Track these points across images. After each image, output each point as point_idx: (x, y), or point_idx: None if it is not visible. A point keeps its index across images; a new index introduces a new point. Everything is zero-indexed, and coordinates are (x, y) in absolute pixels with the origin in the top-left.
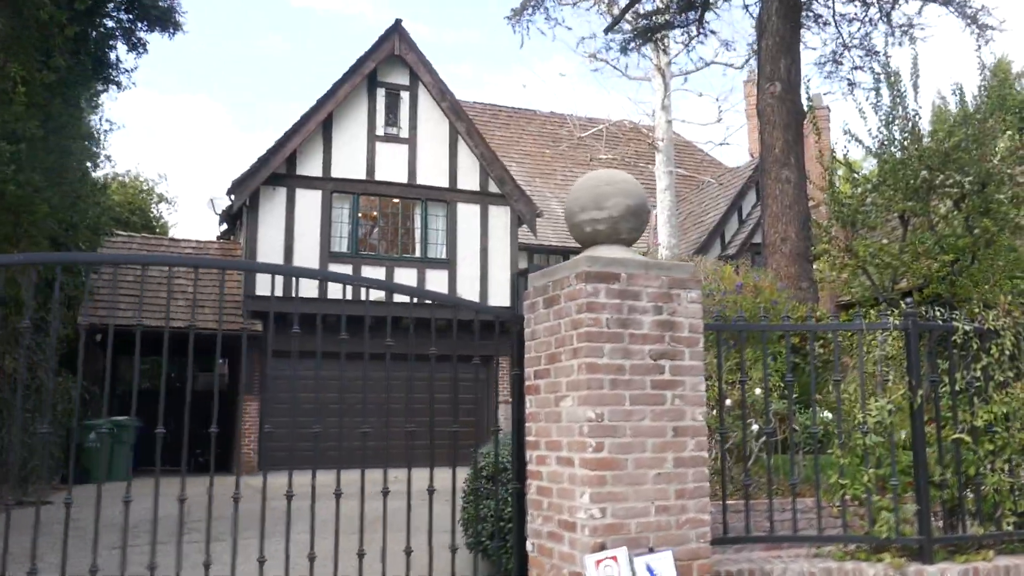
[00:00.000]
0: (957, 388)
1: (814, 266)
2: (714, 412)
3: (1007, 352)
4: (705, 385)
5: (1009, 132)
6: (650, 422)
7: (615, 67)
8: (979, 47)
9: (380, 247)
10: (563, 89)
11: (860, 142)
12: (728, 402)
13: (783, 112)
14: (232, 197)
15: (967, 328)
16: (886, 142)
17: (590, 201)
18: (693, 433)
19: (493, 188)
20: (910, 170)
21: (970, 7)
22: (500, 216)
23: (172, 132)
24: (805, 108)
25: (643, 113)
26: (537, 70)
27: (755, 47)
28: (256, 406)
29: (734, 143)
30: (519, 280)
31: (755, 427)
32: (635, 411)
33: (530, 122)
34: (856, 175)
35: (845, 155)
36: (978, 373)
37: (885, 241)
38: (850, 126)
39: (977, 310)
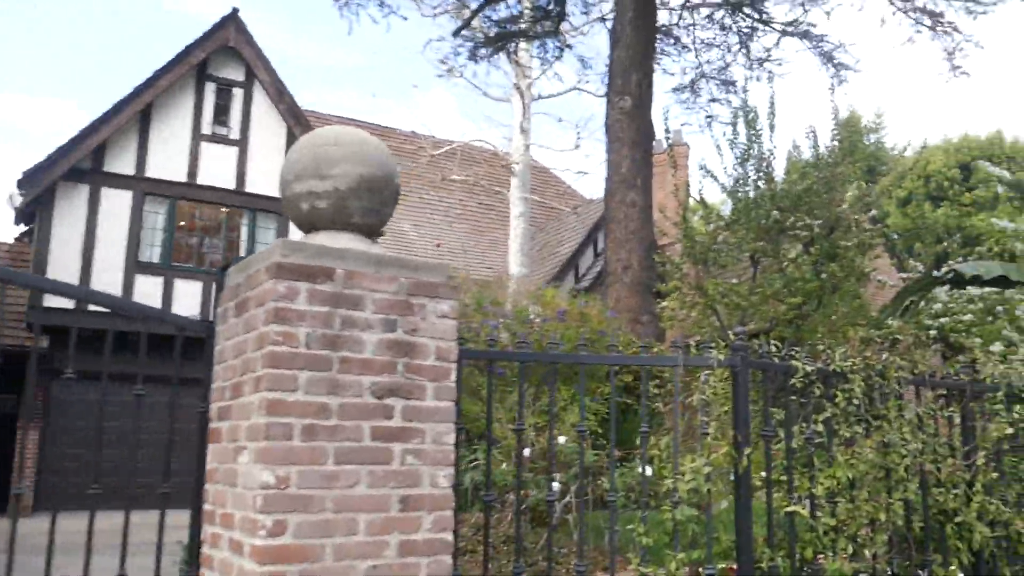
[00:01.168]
0: (794, 445)
1: (664, 303)
2: (505, 465)
3: (855, 401)
4: (456, 434)
5: (858, 181)
6: (366, 490)
7: (473, 83)
8: (834, 86)
9: (197, 259)
10: (428, 110)
11: (715, 179)
12: (527, 452)
13: (632, 129)
14: (23, 192)
15: (808, 369)
16: (740, 180)
17: (309, 166)
18: (432, 505)
19: None
20: (762, 210)
21: (827, 43)
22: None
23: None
24: (665, 143)
25: (502, 137)
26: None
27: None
28: (36, 435)
29: (594, 172)
30: None
31: (556, 485)
32: (343, 473)
33: (386, 139)
34: (710, 212)
35: (700, 191)
36: (820, 427)
37: (735, 281)
38: (706, 162)
39: (822, 347)
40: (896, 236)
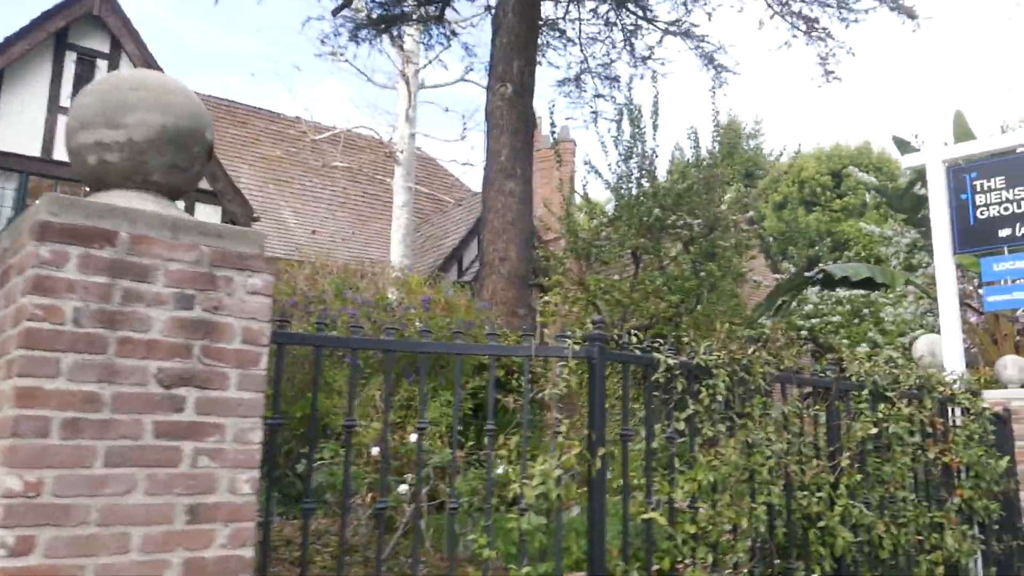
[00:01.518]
0: (655, 446)
1: (546, 297)
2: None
3: (719, 398)
4: (270, 431)
5: (737, 183)
6: (144, 498)
7: (356, 67)
8: (714, 88)
9: None
10: (318, 97)
11: (599, 175)
12: (375, 451)
13: (512, 117)
14: None
15: (671, 362)
16: (624, 177)
17: (99, 113)
18: (229, 516)
19: (205, 184)
20: (644, 208)
21: (708, 43)
22: (211, 216)
23: None
24: (551, 138)
25: (388, 125)
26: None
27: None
28: None
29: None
30: None
31: (404, 487)
32: (114, 477)
33: (271, 123)
34: (593, 208)
35: (584, 186)
36: (682, 425)
37: (617, 277)
38: (591, 158)
39: (687, 339)
40: (772, 239)
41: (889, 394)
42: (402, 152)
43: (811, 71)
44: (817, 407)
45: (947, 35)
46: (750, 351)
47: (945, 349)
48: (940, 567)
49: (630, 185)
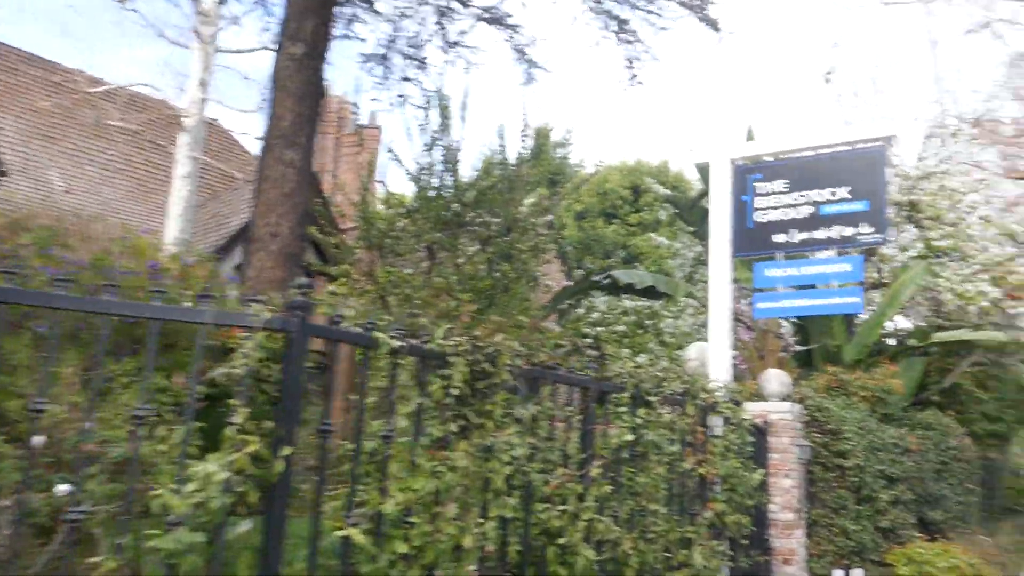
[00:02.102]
0: (372, 446)
1: (331, 287)
2: None
3: (454, 391)
4: None
5: (540, 187)
6: None
7: (146, 19)
8: (526, 83)
9: None
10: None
11: (401, 164)
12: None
13: (300, 80)
14: None
15: (396, 344)
16: (426, 169)
17: None
18: None
19: None
20: (443, 201)
21: (521, 34)
22: None
23: None
24: (354, 121)
25: (177, 88)
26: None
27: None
28: None
29: None
30: None
31: (64, 487)
32: None
33: (50, 74)
34: (391, 197)
35: (385, 174)
36: (404, 422)
37: (409, 271)
38: (395, 145)
39: (425, 320)
40: (570, 247)
41: (652, 398)
42: (190, 118)
43: (620, 73)
44: (574, 410)
45: (755, 55)
46: (498, 338)
47: (712, 356)
48: None
49: (432, 177)
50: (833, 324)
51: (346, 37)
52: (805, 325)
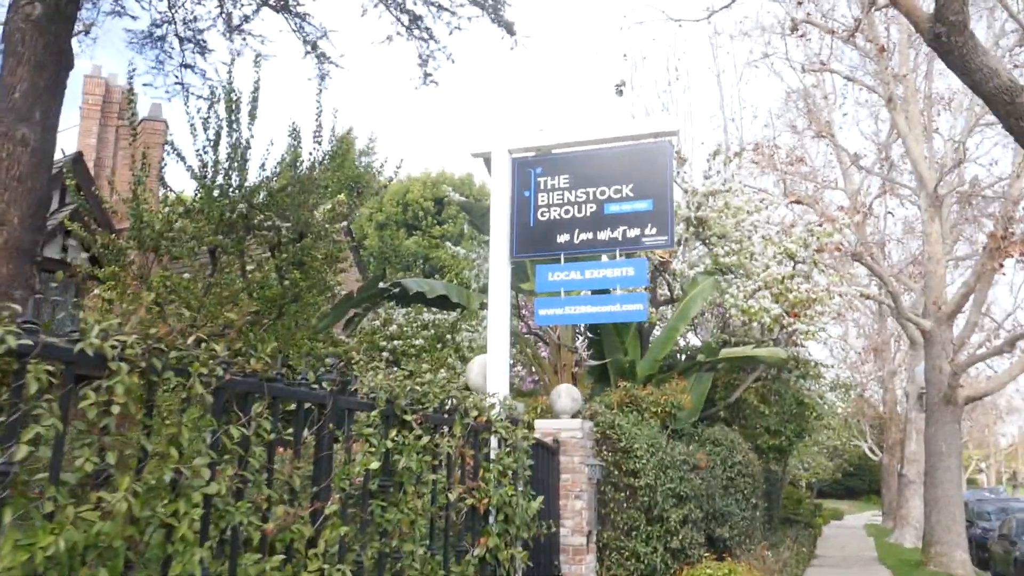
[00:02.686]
0: None
1: (96, 291)
2: None
3: (115, 409)
4: None
5: (340, 193)
6: None
7: None
8: (318, 78)
9: None
10: None
11: (183, 159)
12: None
13: (39, 46)
14: None
15: (13, 344)
16: (210, 166)
17: None
18: None
19: None
20: (228, 202)
21: (310, 24)
22: None
23: None
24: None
25: None
26: None
27: None
28: None
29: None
30: None
31: None
32: None
33: None
34: (168, 196)
35: (162, 169)
36: (23, 452)
37: (187, 276)
38: (175, 138)
39: (96, 320)
40: (371, 258)
41: (408, 417)
42: None
43: (411, 71)
44: (307, 432)
45: (552, 63)
46: (190, 340)
47: (490, 367)
48: None
49: (217, 176)
50: (627, 338)
51: (116, 14)
52: (600, 339)
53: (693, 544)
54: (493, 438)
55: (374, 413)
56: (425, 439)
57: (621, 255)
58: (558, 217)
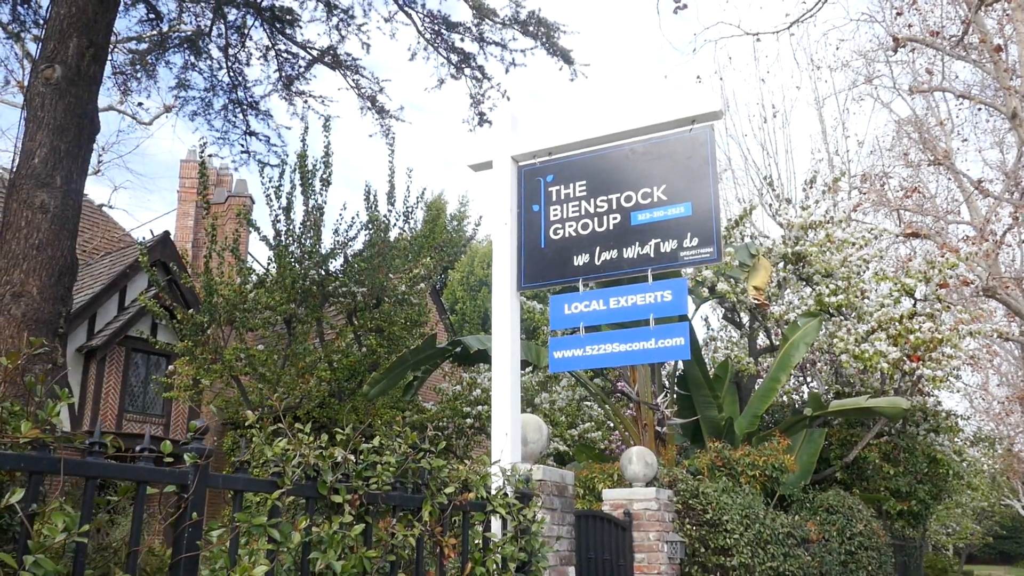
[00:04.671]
0: None
1: (172, 366)
2: None
3: None
4: None
5: (425, 259)
6: None
7: None
8: (383, 134)
9: None
10: None
11: (257, 229)
12: None
13: (59, 109)
14: None
15: None
16: (285, 234)
17: None
18: None
19: None
20: (302, 269)
21: (365, 77)
22: None
23: None
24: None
25: None
26: None
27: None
28: None
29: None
30: None
31: None
32: None
33: None
34: (242, 266)
35: (236, 240)
36: None
37: (260, 348)
38: (250, 208)
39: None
40: (465, 323)
41: (337, 499)
42: None
43: (464, 113)
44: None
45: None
46: None
47: (495, 428)
48: None
49: (290, 243)
50: (721, 392)
51: (183, 87)
52: (690, 393)
53: None
54: (494, 520)
55: (276, 494)
56: (358, 529)
57: (655, 276)
58: (574, 234)
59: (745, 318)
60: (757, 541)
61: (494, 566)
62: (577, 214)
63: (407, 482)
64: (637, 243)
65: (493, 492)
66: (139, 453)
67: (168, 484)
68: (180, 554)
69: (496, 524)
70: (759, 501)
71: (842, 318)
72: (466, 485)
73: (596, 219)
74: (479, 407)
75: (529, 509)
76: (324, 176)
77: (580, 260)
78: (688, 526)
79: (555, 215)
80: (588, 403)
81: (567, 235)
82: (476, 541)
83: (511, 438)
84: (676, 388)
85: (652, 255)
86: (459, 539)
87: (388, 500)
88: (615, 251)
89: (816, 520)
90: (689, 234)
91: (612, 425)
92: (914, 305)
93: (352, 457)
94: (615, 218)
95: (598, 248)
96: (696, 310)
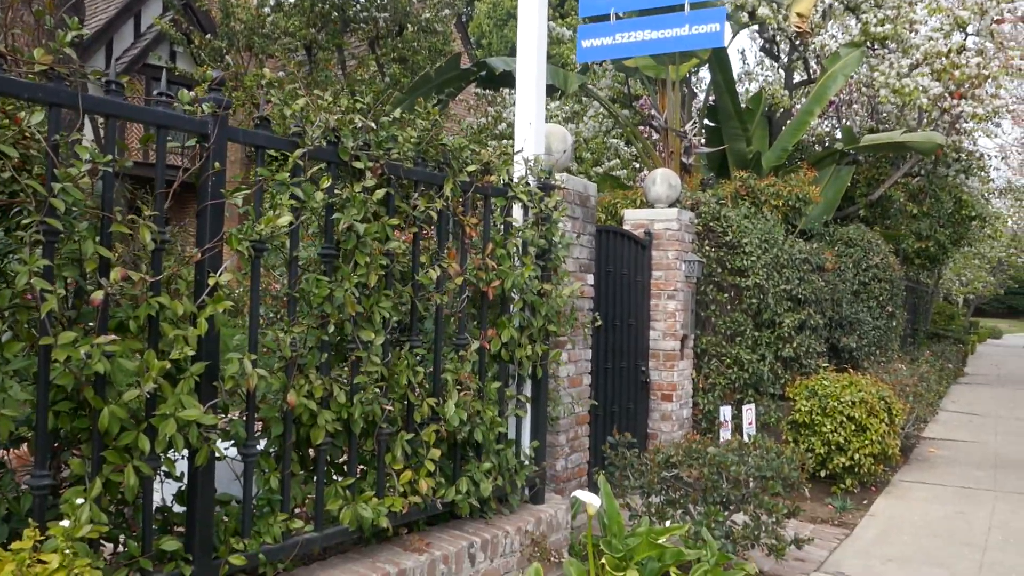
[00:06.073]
0: None
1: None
2: None
3: None
4: None
5: None
6: None
7: None
8: None
9: None
10: None
11: None
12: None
13: None
14: None
15: None
16: None
17: None
18: None
19: None
20: None
21: None
22: None
23: None
24: None
25: None
26: None
27: None
28: None
29: None
30: None
31: None
32: None
33: None
34: None
35: None
36: None
37: (281, 74)
38: None
39: None
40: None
41: (359, 165)
42: None
43: None
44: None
45: None
46: None
47: (518, 116)
48: (436, 449)
49: None
50: (751, 123)
51: None
52: (719, 124)
53: (810, 353)
54: (516, 207)
55: (297, 153)
56: (380, 193)
57: None
58: None
59: (784, 49)
60: (774, 264)
61: (514, 249)
62: None
63: (429, 159)
64: None
65: (516, 181)
66: (155, 97)
67: (188, 130)
68: (205, 202)
69: (518, 211)
70: (780, 228)
71: (886, 51)
72: (488, 168)
73: None
74: (504, 141)
75: (551, 198)
76: None
77: None
78: (707, 247)
79: None
80: (615, 140)
81: None
82: (498, 225)
83: (535, 128)
84: (706, 120)
85: None
86: (481, 220)
87: (410, 175)
88: None
89: (834, 250)
90: None
91: (638, 166)
92: (965, 39)
93: (373, 124)
94: None
95: None
96: (733, 38)
